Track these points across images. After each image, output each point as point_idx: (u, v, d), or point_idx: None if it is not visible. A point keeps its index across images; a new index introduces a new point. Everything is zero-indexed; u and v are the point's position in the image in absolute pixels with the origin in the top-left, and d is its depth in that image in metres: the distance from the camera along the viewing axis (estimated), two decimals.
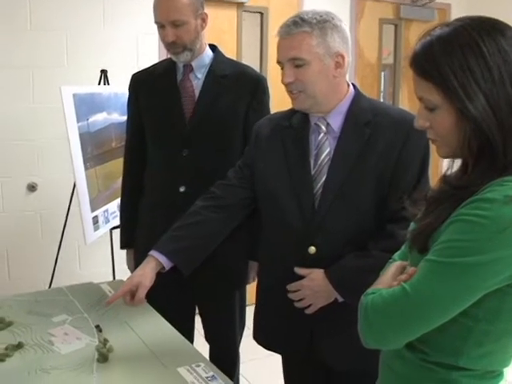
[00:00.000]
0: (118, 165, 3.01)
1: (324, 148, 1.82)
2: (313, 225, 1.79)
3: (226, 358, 2.51)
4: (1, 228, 3.90)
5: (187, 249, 1.96)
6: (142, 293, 1.88)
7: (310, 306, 1.81)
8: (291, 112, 1.91)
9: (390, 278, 1.30)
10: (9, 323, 1.95)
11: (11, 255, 3.98)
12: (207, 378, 1.61)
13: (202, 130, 2.28)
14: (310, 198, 1.80)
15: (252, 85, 2.32)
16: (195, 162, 2.29)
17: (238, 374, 2.69)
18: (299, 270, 1.81)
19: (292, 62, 1.76)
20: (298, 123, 1.88)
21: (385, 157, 1.76)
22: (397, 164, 1.76)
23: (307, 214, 1.80)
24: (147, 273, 1.90)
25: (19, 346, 1.79)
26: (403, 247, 1.43)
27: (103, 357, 1.70)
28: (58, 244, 3.73)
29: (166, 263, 1.93)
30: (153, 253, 1.94)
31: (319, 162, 1.81)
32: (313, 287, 1.78)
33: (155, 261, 1.92)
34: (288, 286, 1.83)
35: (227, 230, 2.04)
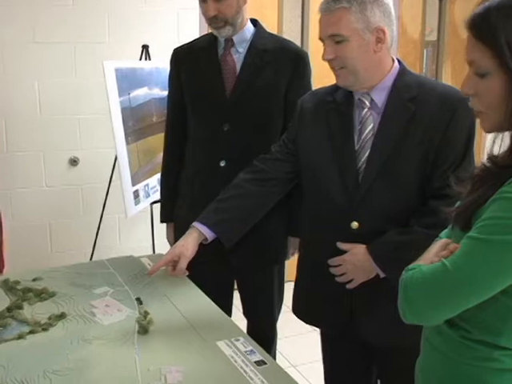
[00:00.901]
0: (158, 140, 3.02)
1: (368, 123, 1.80)
2: (356, 200, 1.78)
3: (263, 334, 2.52)
4: (43, 202, 3.96)
5: (230, 221, 1.98)
6: (183, 263, 1.91)
7: (351, 281, 1.80)
8: (335, 87, 1.89)
9: (433, 254, 1.29)
10: (52, 294, 1.99)
11: (53, 229, 4.04)
12: (246, 352, 1.61)
13: (242, 104, 2.27)
14: (353, 174, 1.79)
15: (293, 60, 2.30)
16: (235, 136, 2.28)
17: (275, 350, 2.70)
18: (341, 245, 1.80)
19: (332, 39, 1.74)
20: (341, 98, 1.86)
21: (430, 133, 1.73)
22: (442, 141, 1.73)
23: (351, 190, 1.79)
24: (189, 244, 1.93)
25: (62, 316, 1.82)
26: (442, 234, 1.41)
27: (143, 329, 1.72)
28: (98, 218, 3.78)
29: (209, 234, 1.95)
30: (195, 224, 1.96)
31: (363, 137, 1.80)
32: (354, 262, 1.77)
33: (197, 232, 1.95)
34: (329, 260, 1.82)
35: (269, 204, 2.04)
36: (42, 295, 1.97)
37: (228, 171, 2.23)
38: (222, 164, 2.29)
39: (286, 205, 2.18)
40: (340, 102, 1.86)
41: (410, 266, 1.26)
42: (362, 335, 1.86)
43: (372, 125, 1.79)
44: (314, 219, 1.93)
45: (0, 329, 1.74)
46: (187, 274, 1.99)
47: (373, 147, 1.78)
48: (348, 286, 1.81)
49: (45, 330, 1.74)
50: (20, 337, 1.69)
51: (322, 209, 1.88)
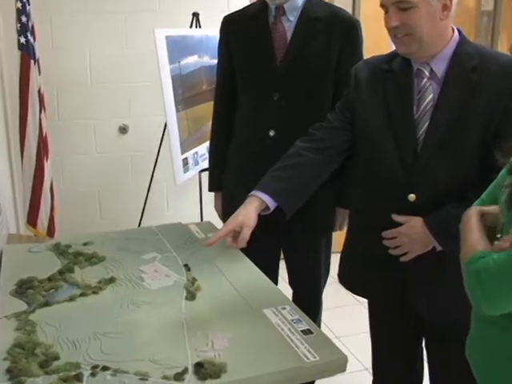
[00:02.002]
0: (208, 108, 3.02)
1: (427, 94, 1.75)
2: (414, 171, 1.74)
3: (308, 305, 2.51)
4: (93, 169, 4.02)
5: (291, 190, 1.92)
6: (246, 233, 1.81)
7: (405, 253, 1.78)
8: (391, 56, 1.85)
9: (479, 234, 1.26)
10: (102, 258, 2.03)
11: (102, 195, 4.11)
12: (292, 320, 1.62)
13: (293, 73, 2.24)
14: (411, 144, 1.75)
15: (345, 28, 2.26)
16: (285, 105, 2.26)
17: (320, 320, 2.70)
18: (397, 217, 1.77)
19: (397, 6, 1.69)
20: (399, 67, 1.81)
21: (492, 105, 1.67)
22: (504, 113, 1.67)
23: (408, 161, 1.75)
24: (251, 213, 1.84)
25: (111, 280, 1.85)
26: (483, 195, 1.40)
27: (191, 295, 1.74)
28: (147, 185, 3.82)
29: (271, 203, 1.88)
30: (256, 193, 1.89)
31: (422, 107, 1.75)
32: (411, 235, 1.74)
33: (258, 201, 1.87)
34: (384, 232, 1.79)
35: (327, 174, 1.99)
36: (93, 259, 2.01)
37: (277, 140, 2.22)
38: (272, 133, 2.28)
39: (337, 175, 2.15)
40: (397, 71, 1.82)
41: (479, 254, 1.23)
42: (413, 308, 1.84)
43: (431, 95, 1.74)
44: (368, 190, 1.90)
45: (52, 291, 1.79)
46: (246, 245, 1.88)
47: (432, 118, 1.73)
48: (402, 259, 1.78)
49: (95, 293, 1.78)
50: (71, 299, 1.73)
51: (378, 180, 1.84)
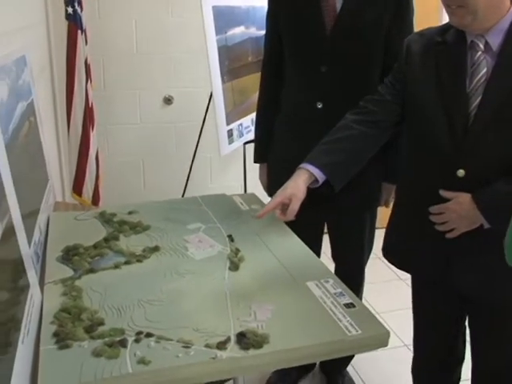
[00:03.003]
0: (253, 80, 3.02)
1: (481, 67, 1.70)
2: (464, 147, 1.71)
3: (351, 279, 2.51)
4: (137, 139, 4.06)
5: (340, 163, 1.92)
6: (295, 205, 1.84)
7: (452, 230, 1.76)
8: (444, 28, 1.81)
9: None
10: (146, 227, 2.05)
11: (146, 165, 4.15)
12: (335, 294, 1.61)
13: (342, 44, 2.20)
14: (463, 119, 1.71)
15: None
16: (334, 77, 2.23)
17: (362, 295, 2.70)
18: (445, 193, 1.75)
19: None
20: (452, 40, 1.77)
21: None
22: None
23: (459, 136, 1.71)
24: (300, 185, 1.86)
25: (156, 249, 1.87)
26: None
27: (234, 265, 1.75)
28: (191, 156, 3.84)
29: (320, 176, 1.89)
30: (305, 165, 1.90)
31: (475, 81, 1.70)
32: (458, 211, 1.71)
33: (307, 173, 1.89)
34: (431, 208, 1.77)
35: (376, 148, 1.99)
36: (137, 228, 2.04)
37: (325, 113, 2.20)
38: (319, 106, 2.26)
39: (384, 149, 2.13)
40: (451, 44, 1.77)
41: None
42: (457, 285, 1.83)
43: (485, 69, 1.70)
44: (416, 165, 1.88)
45: (97, 258, 1.82)
46: (294, 218, 1.91)
47: (485, 92, 1.68)
48: (448, 235, 1.76)
49: (139, 261, 1.80)
50: (116, 266, 1.76)
51: (427, 154, 1.82)
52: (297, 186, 1.86)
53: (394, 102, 1.93)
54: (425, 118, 1.80)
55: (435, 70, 1.78)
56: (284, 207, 1.86)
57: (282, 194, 1.86)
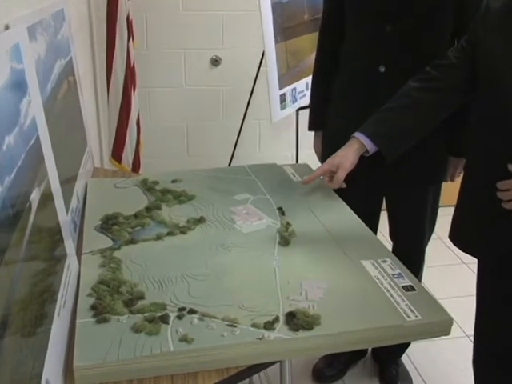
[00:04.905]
0: (309, 40, 2.99)
1: None
2: None
3: (409, 260, 2.49)
4: (182, 102, 4.07)
5: (394, 134, 1.94)
6: (341, 174, 1.92)
7: None
8: None
9: None
10: (191, 197, 2.06)
11: (191, 131, 4.16)
12: (393, 275, 1.60)
13: (408, 2, 2.16)
14: None
15: None
16: (399, 38, 2.17)
17: (421, 278, 2.67)
18: None
19: None
20: None
21: None
22: None
23: None
24: (349, 155, 1.92)
25: (201, 220, 1.88)
26: None
27: (285, 240, 1.75)
28: (239, 123, 3.83)
29: (370, 146, 1.93)
30: (357, 134, 1.94)
31: None
32: None
33: (359, 143, 1.94)
34: (499, 183, 1.72)
35: (440, 118, 1.96)
36: (181, 198, 2.05)
37: (388, 78, 2.16)
38: (382, 69, 2.21)
39: (452, 120, 2.09)
40: None
41: None
42: None
43: None
44: (489, 136, 1.82)
45: (138, 228, 1.84)
46: (344, 186, 1.99)
47: None
48: None
49: (183, 233, 1.81)
50: (158, 238, 1.78)
51: (499, 127, 1.77)
52: (346, 155, 1.93)
53: (462, 67, 1.88)
54: (502, 86, 1.74)
55: None
56: (332, 175, 1.94)
57: (331, 161, 1.95)
